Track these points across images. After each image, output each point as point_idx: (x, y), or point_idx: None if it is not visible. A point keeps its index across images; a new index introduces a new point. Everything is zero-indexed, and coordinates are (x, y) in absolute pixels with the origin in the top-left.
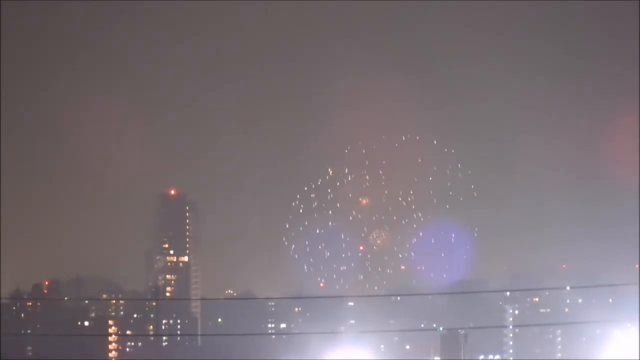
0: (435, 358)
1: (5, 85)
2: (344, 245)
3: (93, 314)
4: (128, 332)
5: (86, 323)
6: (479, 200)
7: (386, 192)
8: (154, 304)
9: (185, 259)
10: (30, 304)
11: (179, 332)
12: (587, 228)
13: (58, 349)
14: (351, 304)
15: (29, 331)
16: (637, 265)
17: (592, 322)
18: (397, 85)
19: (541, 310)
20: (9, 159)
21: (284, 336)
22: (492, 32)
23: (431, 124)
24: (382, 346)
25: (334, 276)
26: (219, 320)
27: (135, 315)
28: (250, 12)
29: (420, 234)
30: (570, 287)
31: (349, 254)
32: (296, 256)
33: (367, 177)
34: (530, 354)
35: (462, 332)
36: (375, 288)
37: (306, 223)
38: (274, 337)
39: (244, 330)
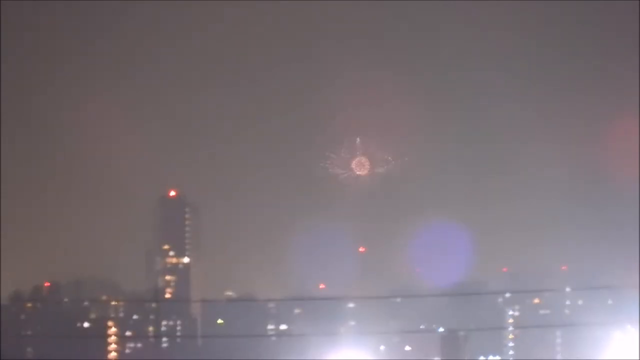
0: (436, 359)
1: (5, 85)
2: (343, 246)
3: (93, 315)
4: (128, 333)
5: (86, 324)
6: (478, 200)
7: (385, 192)
8: (153, 305)
9: (185, 260)
10: (30, 305)
11: (178, 333)
12: (587, 229)
13: (58, 350)
14: (351, 305)
15: (29, 332)
16: (637, 266)
17: (593, 323)
18: (397, 85)
19: (541, 312)
20: (9, 160)
21: (284, 338)
22: (491, 32)
23: (431, 124)
24: (382, 347)
25: (334, 277)
26: (219, 321)
27: (135, 317)
28: (251, 13)
29: (421, 234)
30: (571, 289)
31: (349, 254)
32: (296, 257)
33: (366, 177)
34: (530, 356)
35: (463, 333)
36: (375, 289)
37: (306, 224)
38: (274, 338)
39: (244, 331)
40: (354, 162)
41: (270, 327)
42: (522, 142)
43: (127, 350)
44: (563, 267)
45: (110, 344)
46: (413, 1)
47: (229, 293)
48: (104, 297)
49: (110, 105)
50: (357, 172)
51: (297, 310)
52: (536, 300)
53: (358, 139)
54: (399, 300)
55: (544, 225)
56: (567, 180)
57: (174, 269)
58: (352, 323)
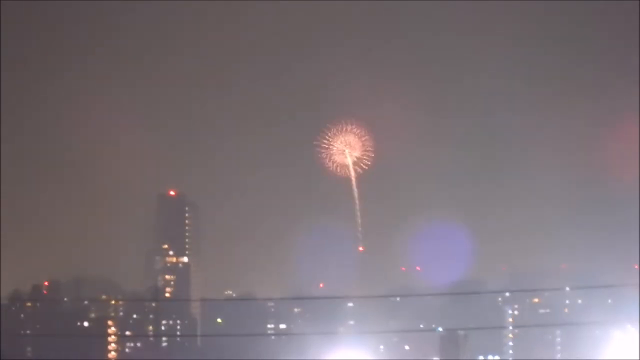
0: (435, 359)
1: (6, 85)
2: (343, 246)
3: (93, 315)
4: (127, 332)
5: (86, 323)
6: (478, 200)
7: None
8: (153, 304)
9: (185, 259)
10: (29, 304)
11: (178, 332)
12: (587, 228)
13: (58, 350)
14: (351, 304)
15: (28, 332)
16: (636, 266)
17: (592, 323)
18: (397, 88)
19: (541, 311)
20: (9, 159)
21: (284, 337)
22: (492, 34)
23: (432, 125)
24: (381, 347)
25: (334, 277)
26: (219, 320)
27: (134, 316)
28: (249, 12)
29: (420, 234)
30: (570, 288)
31: (348, 254)
32: (296, 256)
33: (366, 177)
34: (529, 355)
35: (462, 332)
36: (375, 289)
37: (306, 223)
38: (273, 337)
39: (244, 330)
40: (346, 146)
41: (269, 326)
42: (522, 142)
43: (127, 350)
44: (562, 266)
45: (110, 343)
46: (416, 2)
47: (229, 292)
48: (104, 297)
49: (111, 106)
50: (348, 155)
51: (296, 310)
52: (535, 300)
53: (356, 133)
54: (398, 299)
55: (544, 224)
56: (567, 180)
57: (173, 268)
58: (352, 322)
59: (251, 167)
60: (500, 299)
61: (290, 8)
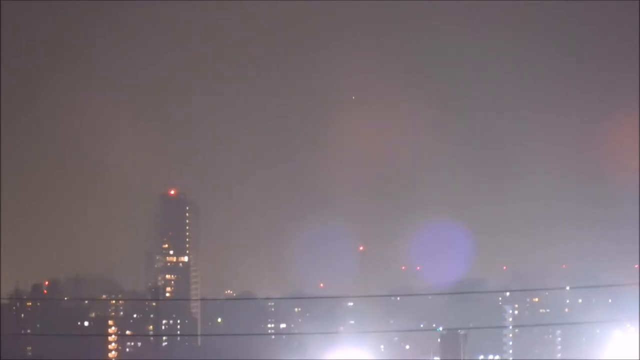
0: (435, 358)
1: (6, 85)
2: (343, 245)
3: (93, 314)
4: (128, 332)
5: (86, 323)
6: (479, 199)
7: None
8: (153, 304)
9: (185, 259)
10: (30, 304)
11: (178, 332)
12: (587, 228)
13: (58, 349)
14: (351, 304)
15: (28, 331)
16: (636, 266)
17: (592, 322)
18: (400, 85)
19: (541, 311)
20: (10, 159)
21: (284, 336)
22: (493, 33)
23: (432, 124)
24: (381, 346)
25: (334, 276)
26: (219, 320)
27: (135, 315)
28: (248, 13)
29: (420, 233)
30: (570, 288)
31: (348, 253)
32: (296, 256)
33: (367, 177)
34: (529, 354)
35: (462, 332)
36: (375, 288)
37: (306, 223)
38: (273, 337)
39: (244, 330)
40: None
41: (269, 325)
42: (522, 143)
43: (127, 349)
44: (563, 266)
45: (110, 342)
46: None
47: (229, 291)
48: (104, 296)
49: (112, 105)
50: None
51: (296, 309)
52: (536, 299)
53: None
54: (398, 299)
55: (544, 224)
56: (567, 180)
57: (173, 268)
58: (352, 322)
59: (251, 166)
60: (500, 298)
61: (287, 6)
